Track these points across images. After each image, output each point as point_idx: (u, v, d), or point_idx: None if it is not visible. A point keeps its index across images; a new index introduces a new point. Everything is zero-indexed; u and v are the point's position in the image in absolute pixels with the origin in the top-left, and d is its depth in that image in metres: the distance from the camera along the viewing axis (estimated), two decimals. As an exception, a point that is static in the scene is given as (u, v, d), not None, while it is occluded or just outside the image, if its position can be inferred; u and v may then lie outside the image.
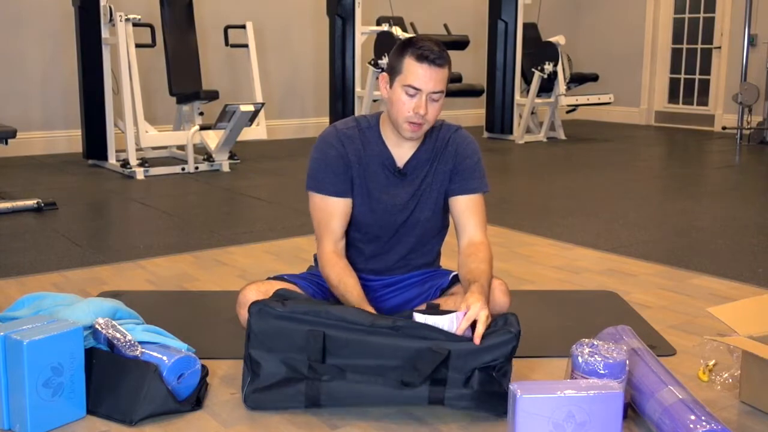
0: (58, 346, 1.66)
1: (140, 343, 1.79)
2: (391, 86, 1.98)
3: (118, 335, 1.77)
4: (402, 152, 2.07)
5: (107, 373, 1.76)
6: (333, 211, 2.05)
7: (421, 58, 1.91)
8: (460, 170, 2.08)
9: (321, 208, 2.06)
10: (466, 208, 2.07)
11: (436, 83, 1.92)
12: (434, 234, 2.18)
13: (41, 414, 1.65)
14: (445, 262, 2.30)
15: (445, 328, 1.76)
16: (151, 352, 1.77)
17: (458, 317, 1.76)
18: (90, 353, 1.76)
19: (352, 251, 2.15)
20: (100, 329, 1.78)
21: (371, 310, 1.90)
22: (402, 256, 2.15)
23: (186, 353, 1.79)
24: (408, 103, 1.94)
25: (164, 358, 1.75)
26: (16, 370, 1.63)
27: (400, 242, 2.13)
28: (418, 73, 1.91)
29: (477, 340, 1.73)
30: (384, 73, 2.02)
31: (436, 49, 1.92)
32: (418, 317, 1.78)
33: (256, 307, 1.80)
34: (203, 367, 1.87)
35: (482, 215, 2.09)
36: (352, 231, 2.13)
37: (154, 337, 1.85)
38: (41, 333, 1.64)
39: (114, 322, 1.81)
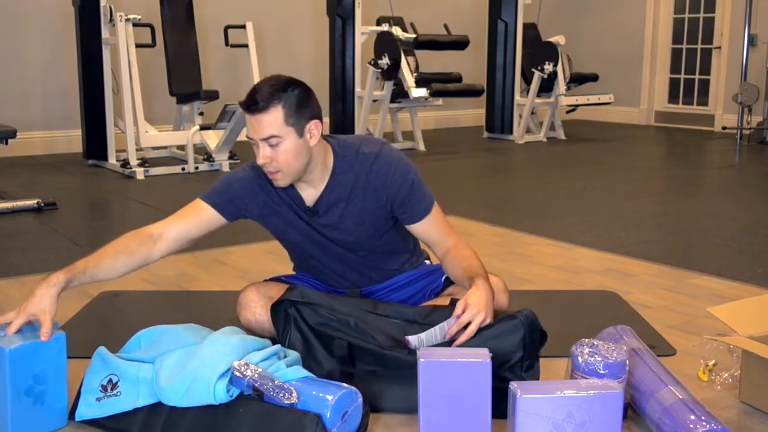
0: (40, 353, 1.62)
1: (288, 382, 1.57)
2: None
3: (265, 381, 1.54)
4: (309, 192, 1.98)
5: (261, 429, 1.53)
6: (198, 215, 1.98)
7: (246, 108, 1.83)
8: (401, 203, 1.97)
9: (193, 209, 1.99)
10: (427, 229, 2.01)
11: (263, 129, 1.81)
12: (387, 252, 2.12)
13: (22, 422, 1.61)
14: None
15: (439, 337, 1.77)
16: (312, 392, 1.55)
17: (450, 323, 1.76)
18: (237, 403, 1.57)
19: (320, 273, 2.16)
20: (240, 376, 1.55)
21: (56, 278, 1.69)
22: (362, 274, 2.13)
23: (347, 387, 1.57)
24: (257, 154, 1.86)
25: (328, 396, 1.53)
26: None
27: (350, 265, 2.10)
28: (249, 125, 1.84)
29: (457, 342, 1.71)
30: None
31: (257, 95, 1.81)
32: (412, 340, 1.78)
33: (308, 309, 1.83)
34: (365, 401, 1.61)
35: (444, 223, 2.03)
36: (307, 257, 2.12)
37: (299, 371, 1.63)
38: (24, 340, 1.60)
39: (251, 364, 1.58)
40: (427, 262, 2.27)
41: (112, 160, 5.56)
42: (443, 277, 2.11)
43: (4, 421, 1.60)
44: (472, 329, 1.72)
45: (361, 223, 2.00)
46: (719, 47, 8.24)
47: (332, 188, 1.97)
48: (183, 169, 5.44)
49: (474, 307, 1.73)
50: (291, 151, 1.84)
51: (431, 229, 2.01)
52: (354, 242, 2.04)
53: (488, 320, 1.75)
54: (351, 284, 2.14)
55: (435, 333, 1.77)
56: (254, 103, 1.81)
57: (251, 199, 2.00)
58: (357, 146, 1.98)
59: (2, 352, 1.57)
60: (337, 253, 2.07)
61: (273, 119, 1.81)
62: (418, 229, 2.02)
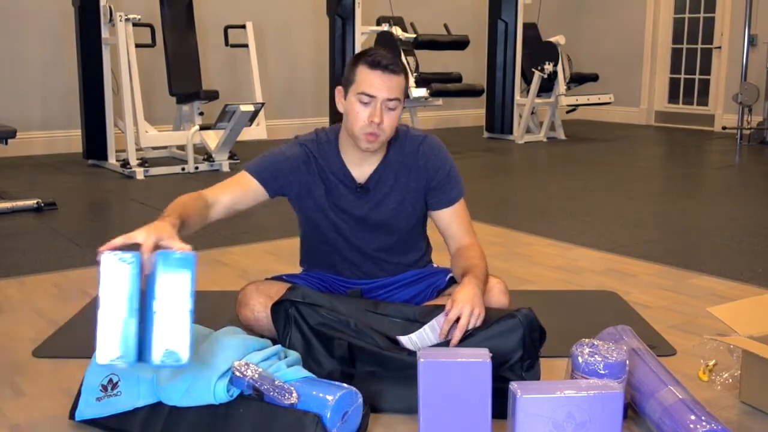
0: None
1: (289, 382, 1.56)
2: (345, 98, 1.95)
3: (266, 381, 1.53)
4: (363, 169, 2.05)
5: (261, 429, 1.52)
6: (245, 186, 1.99)
7: (374, 64, 1.88)
8: (436, 185, 2.06)
9: (239, 180, 2.00)
10: (450, 219, 2.08)
11: (391, 90, 1.89)
12: (407, 243, 2.16)
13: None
14: (443, 261, 2.30)
15: (432, 337, 1.77)
16: (312, 392, 1.55)
17: (439, 321, 1.76)
18: (237, 403, 1.55)
19: (335, 261, 2.16)
20: (240, 376, 1.54)
21: (168, 222, 1.59)
22: (377, 266, 2.14)
23: (347, 388, 1.57)
24: (362, 113, 1.90)
25: (328, 397, 1.53)
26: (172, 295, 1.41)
27: (367, 256, 2.12)
28: (372, 80, 1.88)
29: (453, 341, 1.73)
30: (339, 87, 1.99)
31: (390, 56, 1.90)
32: (403, 341, 1.78)
33: (308, 309, 1.83)
34: (365, 401, 1.61)
35: (466, 220, 2.09)
36: (323, 244, 2.13)
37: (299, 371, 1.62)
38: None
39: (251, 364, 1.57)
40: (434, 265, 2.29)
41: (112, 160, 5.56)
42: (447, 277, 2.13)
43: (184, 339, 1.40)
44: (462, 323, 1.74)
45: (402, 202, 2.06)
46: (719, 47, 8.24)
47: (384, 166, 2.05)
48: (183, 169, 5.44)
49: (460, 302, 1.76)
50: (397, 119, 1.95)
51: (454, 221, 2.07)
52: (387, 224, 2.07)
53: (477, 311, 1.76)
54: (363, 274, 2.16)
55: (426, 332, 1.78)
56: (392, 63, 1.89)
57: (295, 177, 2.04)
58: (405, 130, 2.09)
59: (189, 260, 1.40)
60: (357, 245, 2.11)
61: (400, 84, 1.92)
62: (442, 216, 2.08)
